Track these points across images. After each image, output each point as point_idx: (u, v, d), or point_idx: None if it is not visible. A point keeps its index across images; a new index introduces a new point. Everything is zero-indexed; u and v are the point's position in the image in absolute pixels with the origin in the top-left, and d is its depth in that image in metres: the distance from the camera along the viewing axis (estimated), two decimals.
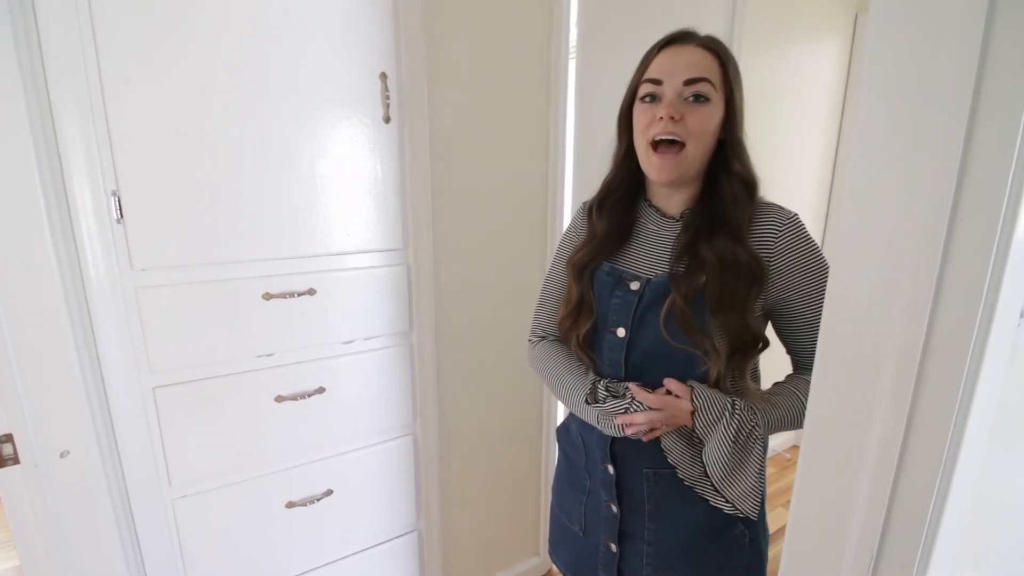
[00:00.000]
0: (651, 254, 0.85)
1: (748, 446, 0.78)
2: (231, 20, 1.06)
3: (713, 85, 0.75)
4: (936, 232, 0.41)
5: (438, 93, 1.31)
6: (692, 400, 0.78)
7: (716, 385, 0.79)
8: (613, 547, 0.90)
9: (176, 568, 1.23)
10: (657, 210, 0.86)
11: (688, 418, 0.78)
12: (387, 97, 1.24)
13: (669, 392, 0.80)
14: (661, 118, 0.75)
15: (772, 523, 2.13)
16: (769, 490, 2.39)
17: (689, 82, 0.75)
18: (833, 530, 0.52)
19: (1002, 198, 0.38)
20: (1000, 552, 0.51)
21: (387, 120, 1.26)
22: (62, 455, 1.04)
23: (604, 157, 0.91)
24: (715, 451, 0.78)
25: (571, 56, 1.49)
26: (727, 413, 0.77)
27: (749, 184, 0.80)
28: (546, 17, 1.44)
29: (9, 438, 0.99)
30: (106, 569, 1.13)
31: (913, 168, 0.42)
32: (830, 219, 2.55)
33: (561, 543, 1.04)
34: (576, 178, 1.54)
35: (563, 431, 1.02)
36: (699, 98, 0.75)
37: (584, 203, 0.96)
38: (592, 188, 0.94)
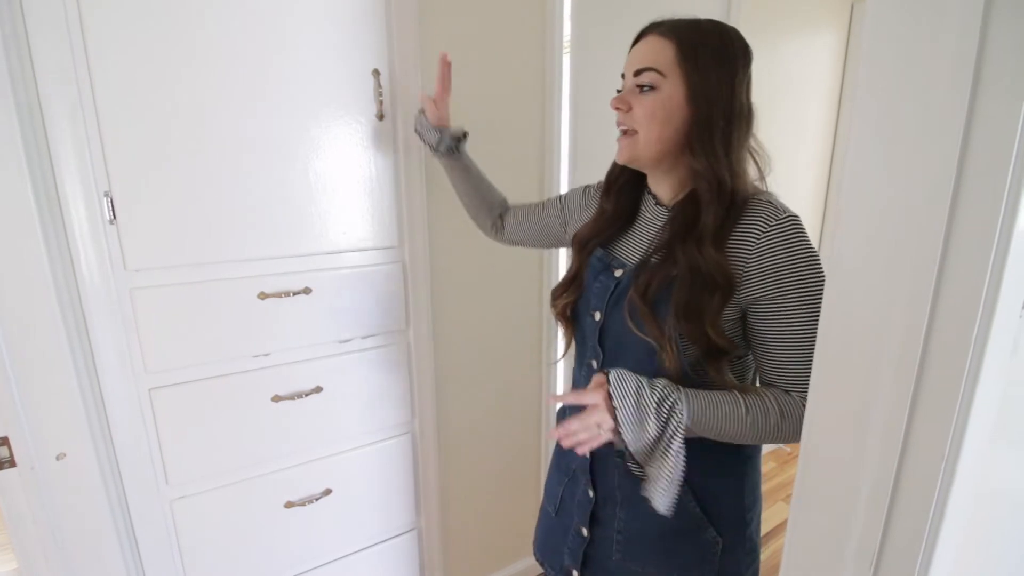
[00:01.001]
0: (641, 243, 0.85)
1: (669, 431, 0.71)
2: (223, 19, 1.05)
3: (660, 72, 0.74)
4: (936, 224, 0.40)
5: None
6: (607, 380, 0.73)
7: (680, 380, 0.75)
8: (584, 531, 0.91)
9: (175, 569, 1.23)
10: (654, 197, 0.86)
11: (607, 404, 0.72)
12: (380, 94, 1.23)
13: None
14: (616, 110, 0.79)
15: (774, 518, 2.15)
16: (770, 484, 2.40)
17: (637, 72, 0.76)
18: (834, 527, 0.52)
19: (1003, 189, 0.37)
20: (1004, 549, 0.51)
21: (380, 117, 1.25)
22: (58, 457, 1.03)
23: (600, 152, 0.91)
24: (634, 427, 0.71)
25: (565, 51, 1.48)
26: (644, 387, 0.72)
27: (713, 182, 0.74)
28: (539, 12, 1.43)
29: (5, 441, 0.98)
30: (105, 571, 1.13)
31: (912, 160, 0.42)
32: (828, 214, 2.55)
33: (539, 522, 1.06)
34: (571, 174, 1.53)
35: (560, 416, 1.03)
36: (645, 87, 0.76)
37: (599, 181, 0.97)
38: (588, 180, 0.94)
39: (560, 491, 0.97)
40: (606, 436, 0.72)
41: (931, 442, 0.43)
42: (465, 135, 1.14)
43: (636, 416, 0.71)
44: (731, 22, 1.75)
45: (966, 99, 0.38)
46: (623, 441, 0.72)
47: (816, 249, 0.73)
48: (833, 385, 0.50)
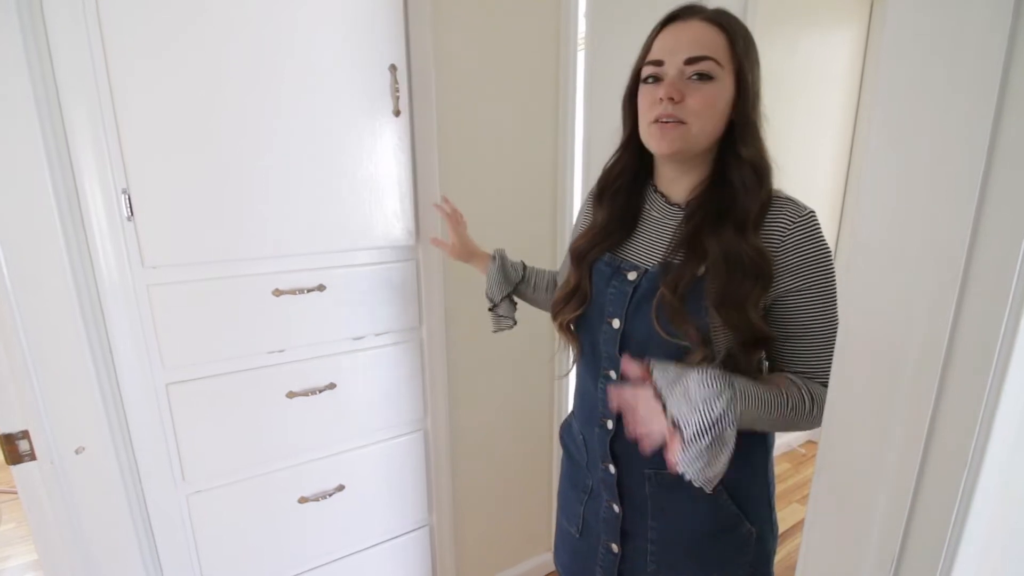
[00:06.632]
0: (653, 243, 0.81)
1: (721, 420, 0.67)
2: (240, 17, 1.05)
3: (718, 62, 0.70)
4: (962, 222, 0.39)
5: (447, 86, 1.30)
6: (650, 372, 0.70)
7: None
8: (614, 547, 0.88)
9: (191, 562, 1.24)
10: (663, 196, 0.82)
11: (655, 398, 0.68)
12: (396, 90, 1.23)
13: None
14: (662, 99, 0.72)
15: (789, 518, 2.13)
16: (785, 485, 2.37)
17: (691, 60, 0.71)
18: (853, 530, 0.51)
19: None
20: None
21: (396, 113, 1.25)
22: (77, 451, 1.05)
23: (612, 147, 0.89)
24: (681, 403, 0.67)
25: (580, 48, 1.47)
26: (693, 372, 0.68)
27: (759, 170, 0.74)
28: (554, 9, 1.42)
29: (26, 435, 1.00)
30: (122, 563, 1.14)
31: (936, 156, 0.40)
32: (846, 210, 2.51)
33: (560, 545, 1.03)
34: (585, 170, 1.52)
35: (566, 428, 1.00)
36: (702, 77, 0.71)
37: (592, 189, 0.94)
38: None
39: (581, 510, 0.94)
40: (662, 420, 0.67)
41: (954, 446, 0.42)
42: (499, 257, 1.11)
43: (688, 409, 0.67)
44: (749, 15, 1.73)
45: (995, 89, 0.37)
46: (675, 424, 0.67)
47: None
48: (853, 383, 0.49)
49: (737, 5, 1.71)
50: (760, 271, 0.71)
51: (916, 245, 0.43)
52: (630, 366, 0.72)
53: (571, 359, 0.94)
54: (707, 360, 0.72)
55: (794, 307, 0.75)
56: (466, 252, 1.16)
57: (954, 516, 0.43)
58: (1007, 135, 0.37)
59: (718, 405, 0.66)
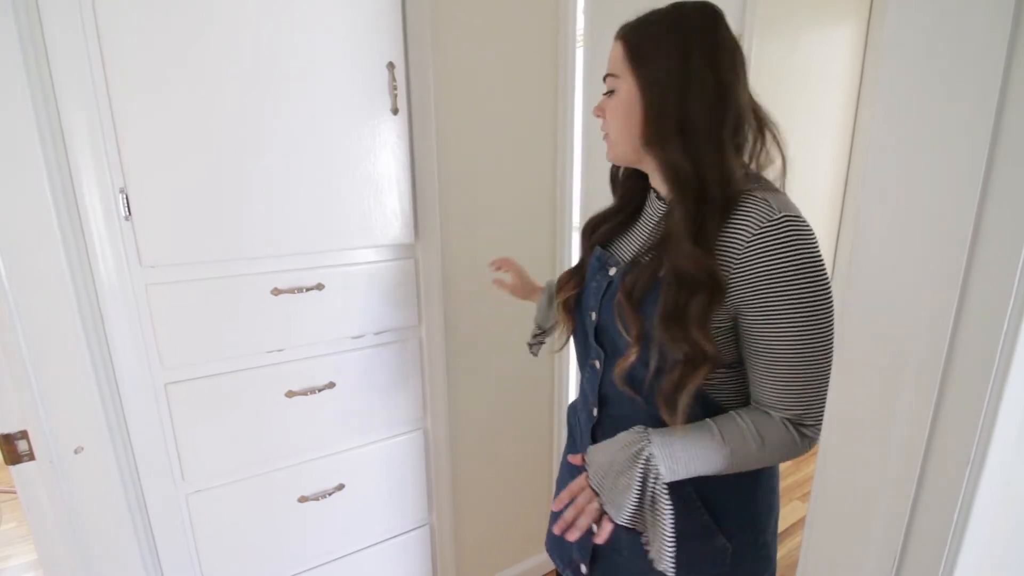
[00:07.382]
0: (639, 240, 0.83)
1: (649, 490, 0.69)
2: (240, 16, 1.05)
3: (615, 75, 0.76)
4: (964, 221, 0.39)
5: (445, 83, 1.30)
6: (584, 460, 0.75)
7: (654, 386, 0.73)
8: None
9: (191, 561, 1.24)
10: (656, 193, 0.83)
11: (588, 484, 0.74)
12: (395, 88, 1.23)
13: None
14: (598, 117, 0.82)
15: (790, 516, 2.13)
16: (786, 483, 2.37)
17: (604, 79, 0.79)
18: (854, 530, 0.50)
19: None
20: None
21: (395, 111, 1.24)
22: (76, 451, 1.04)
23: None
24: (615, 492, 0.71)
25: (579, 45, 1.47)
26: (618, 454, 0.71)
27: (669, 173, 0.71)
28: (553, 6, 1.42)
29: (25, 435, 1.00)
30: (122, 563, 1.14)
31: (937, 155, 0.40)
32: (846, 210, 2.50)
33: (550, 519, 1.04)
34: (584, 168, 1.52)
35: (571, 411, 1.01)
36: (608, 92, 0.78)
37: None
38: (599, 177, 0.94)
39: None
40: (593, 514, 0.72)
41: (956, 444, 0.41)
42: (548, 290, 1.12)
43: (615, 489, 0.71)
44: (747, 12, 1.72)
45: (997, 87, 0.36)
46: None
47: (818, 251, 0.65)
48: (854, 382, 0.49)
49: (736, 3, 1.70)
50: (701, 283, 0.67)
51: (917, 244, 0.42)
52: (575, 457, 0.78)
53: (562, 338, 1.00)
54: (626, 364, 0.73)
55: (753, 323, 0.68)
56: (528, 289, 1.19)
57: (956, 515, 0.42)
58: (1009, 132, 0.37)
59: (636, 475, 0.69)
